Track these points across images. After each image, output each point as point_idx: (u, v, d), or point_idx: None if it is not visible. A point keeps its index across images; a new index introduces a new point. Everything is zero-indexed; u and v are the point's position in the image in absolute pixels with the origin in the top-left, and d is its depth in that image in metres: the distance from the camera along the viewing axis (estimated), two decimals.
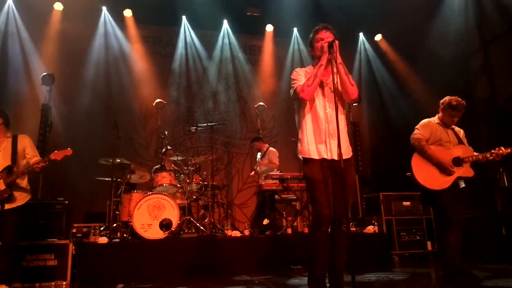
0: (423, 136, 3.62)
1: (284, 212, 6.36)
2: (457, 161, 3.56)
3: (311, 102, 2.86)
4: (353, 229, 5.48)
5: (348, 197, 2.66)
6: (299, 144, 2.89)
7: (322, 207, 2.70)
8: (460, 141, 3.68)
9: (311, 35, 2.96)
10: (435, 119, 3.74)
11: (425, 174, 3.54)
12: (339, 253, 2.76)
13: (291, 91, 2.93)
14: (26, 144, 3.78)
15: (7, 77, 6.99)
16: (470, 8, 6.92)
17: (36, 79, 6.90)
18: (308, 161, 2.81)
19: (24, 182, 3.72)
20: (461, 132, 3.78)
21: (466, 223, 3.75)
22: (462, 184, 3.65)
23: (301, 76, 2.90)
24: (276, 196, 6.04)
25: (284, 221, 6.17)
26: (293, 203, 6.13)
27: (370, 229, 5.40)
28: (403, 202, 5.85)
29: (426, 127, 3.68)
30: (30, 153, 3.77)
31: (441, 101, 3.72)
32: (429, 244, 5.73)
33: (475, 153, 3.58)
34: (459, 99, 3.63)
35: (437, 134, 3.64)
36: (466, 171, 3.55)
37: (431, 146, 3.61)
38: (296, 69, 2.99)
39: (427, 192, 3.55)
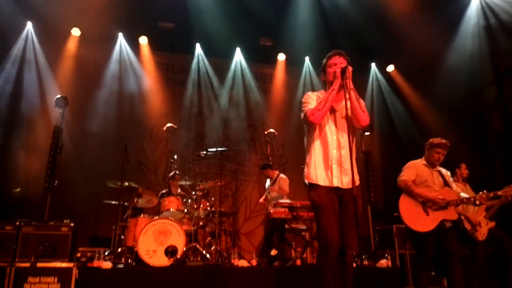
0: (409, 178, 3.71)
1: (293, 243, 6.16)
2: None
3: (321, 127, 2.82)
4: (365, 262, 5.26)
5: (356, 225, 2.53)
6: (306, 168, 2.84)
7: (331, 232, 2.59)
8: (445, 183, 3.73)
9: (324, 60, 2.96)
10: (421, 160, 3.83)
11: (412, 216, 3.60)
12: (344, 286, 2.60)
13: (302, 114, 2.89)
14: None
15: (21, 98, 7.07)
16: (483, 41, 6.94)
17: (49, 101, 6.97)
18: (314, 186, 2.76)
19: None
20: (447, 175, 3.83)
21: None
22: (449, 223, 3.64)
23: (312, 100, 2.88)
24: (286, 226, 5.87)
25: (293, 252, 5.97)
26: (303, 233, 5.95)
27: (383, 263, 5.16)
28: None
29: (412, 168, 3.78)
30: None
31: (426, 143, 3.85)
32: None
33: (461, 197, 3.62)
34: (441, 139, 3.78)
35: (423, 175, 3.72)
36: (450, 213, 3.58)
37: (417, 187, 3.68)
38: (307, 93, 2.98)
39: (413, 233, 3.59)
